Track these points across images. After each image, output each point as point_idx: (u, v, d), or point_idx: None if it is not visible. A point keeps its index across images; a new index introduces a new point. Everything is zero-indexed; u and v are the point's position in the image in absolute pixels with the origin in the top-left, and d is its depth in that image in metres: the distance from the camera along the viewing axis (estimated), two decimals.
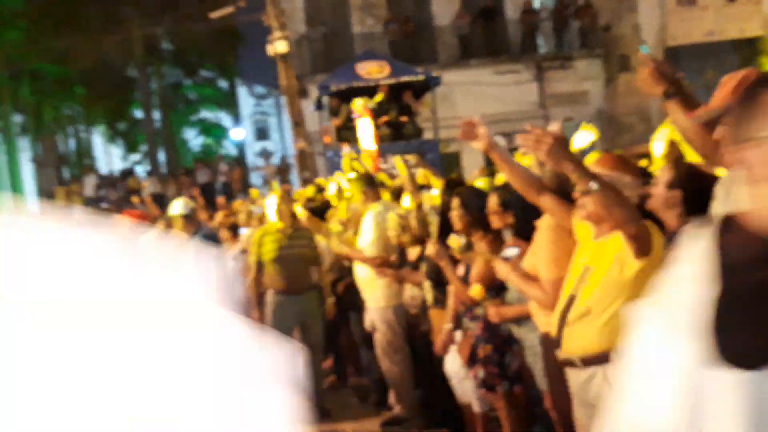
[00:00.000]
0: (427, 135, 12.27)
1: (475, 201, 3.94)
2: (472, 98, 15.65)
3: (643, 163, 4.54)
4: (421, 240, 4.73)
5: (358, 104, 8.25)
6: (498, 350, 3.81)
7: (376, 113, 9.83)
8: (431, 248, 4.02)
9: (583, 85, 17.77)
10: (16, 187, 23.19)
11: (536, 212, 3.15)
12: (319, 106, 13.03)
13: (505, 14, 18.13)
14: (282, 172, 21.51)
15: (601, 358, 2.52)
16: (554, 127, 2.67)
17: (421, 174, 6.17)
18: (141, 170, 28.75)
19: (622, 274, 2.46)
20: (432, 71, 13.27)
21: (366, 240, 5.35)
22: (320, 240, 6.06)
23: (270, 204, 5.92)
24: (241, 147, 41.20)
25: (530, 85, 17.58)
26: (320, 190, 8.33)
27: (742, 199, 1.09)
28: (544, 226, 3.16)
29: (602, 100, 17.71)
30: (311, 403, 5.86)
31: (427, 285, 4.52)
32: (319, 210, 6.93)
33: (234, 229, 8.62)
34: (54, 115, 26.80)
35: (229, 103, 38.91)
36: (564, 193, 2.88)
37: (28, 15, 23.06)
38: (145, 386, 0.62)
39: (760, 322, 1.02)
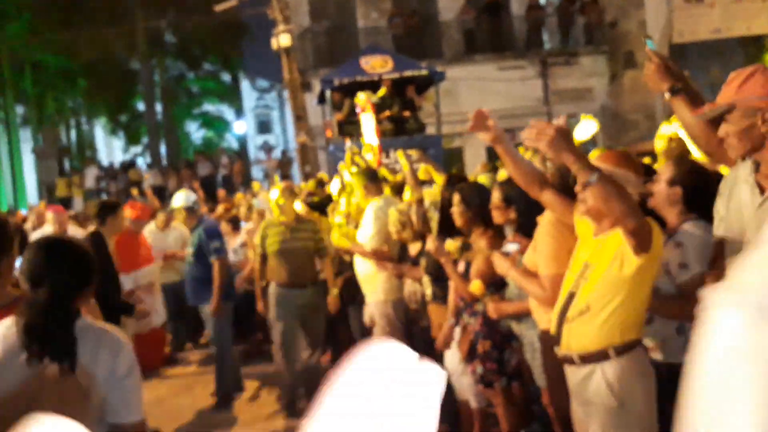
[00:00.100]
0: (430, 130, 12.23)
1: (475, 197, 3.92)
2: (476, 94, 15.57)
3: (646, 160, 4.52)
4: (421, 235, 4.71)
5: (361, 98, 8.20)
6: (497, 346, 3.79)
7: (379, 108, 9.79)
8: (431, 244, 4.00)
9: (587, 81, 17.70)
10: (17, 178, 23.23)
11: (539, 208, 3.12)
12: (321, 100, 12.98)
13: (510, 10, 18.06)
14: (283, 166, 21.49)
15: (600, 356, 2.50)
16: (559, 121, 2.64)
17: (423, 169, 6.14)
18: (142, 162, 28.80)
19: (621, 272, 2.44)
20: (436, 66, 13.22)
21: (366, 233, 5.33)
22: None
23: (272, 197, 5.90)
24: (242, 140, 41.24)
25: (535, 81, 17.50)
26: (321, 184, 8.30)
27: None
28: (544, 221, 3.14)
29: (607, 96, 17.64)
30: (306, 398, 5.83)
31: (426, 280, 4.50)
32: (320, 204, 6.90)
33: (235, 222, 8.62)
34: (56, 106, 26.83)
35: (232, 96, 38.93)
36: (567, 189, 2.85)
37: (32, 7, 23.06)
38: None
39: None
